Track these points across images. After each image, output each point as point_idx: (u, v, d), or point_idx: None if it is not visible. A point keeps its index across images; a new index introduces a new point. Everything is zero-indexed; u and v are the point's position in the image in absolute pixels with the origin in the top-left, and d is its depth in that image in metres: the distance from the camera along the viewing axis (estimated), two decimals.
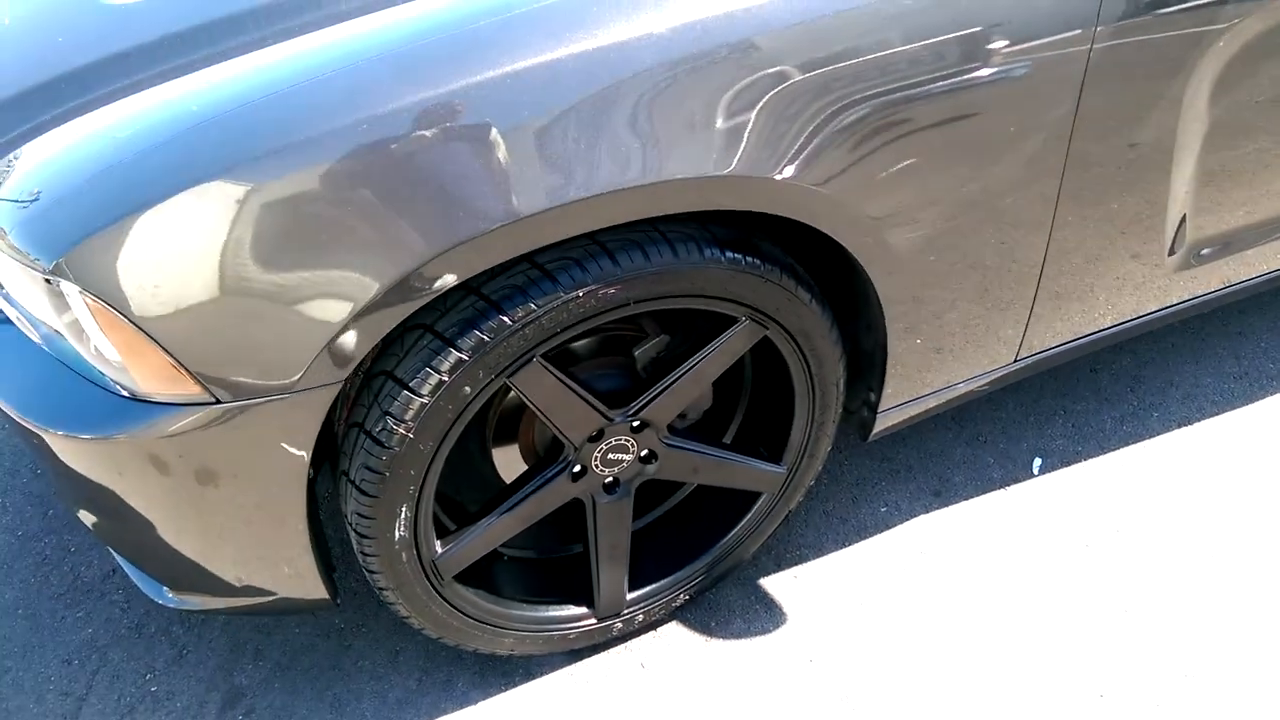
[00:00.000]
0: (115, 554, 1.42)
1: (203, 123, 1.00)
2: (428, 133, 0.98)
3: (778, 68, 1.06)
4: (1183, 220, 1.48)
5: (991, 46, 1.15)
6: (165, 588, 1.34)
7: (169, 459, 1.12)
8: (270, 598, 1.32)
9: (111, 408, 1.12)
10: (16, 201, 1.04)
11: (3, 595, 1.66)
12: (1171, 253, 1.51)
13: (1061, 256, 1.41)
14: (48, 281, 1.05)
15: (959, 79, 1.15)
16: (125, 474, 1.14)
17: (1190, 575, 1.54)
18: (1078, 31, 1.19)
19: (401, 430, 1.11)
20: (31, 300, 1.14)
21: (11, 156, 1.10)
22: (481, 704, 1.47)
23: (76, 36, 1.31)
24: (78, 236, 0.99)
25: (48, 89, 1.22)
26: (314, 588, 1.31)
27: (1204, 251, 1.53)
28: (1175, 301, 1.59)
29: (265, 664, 1.54)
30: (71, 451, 1.15)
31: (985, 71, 1.16)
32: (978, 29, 1.14)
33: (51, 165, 1.05)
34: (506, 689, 1.49)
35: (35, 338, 1.19)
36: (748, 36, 1.05)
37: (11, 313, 1.21)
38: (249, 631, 1.58)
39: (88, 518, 1.28)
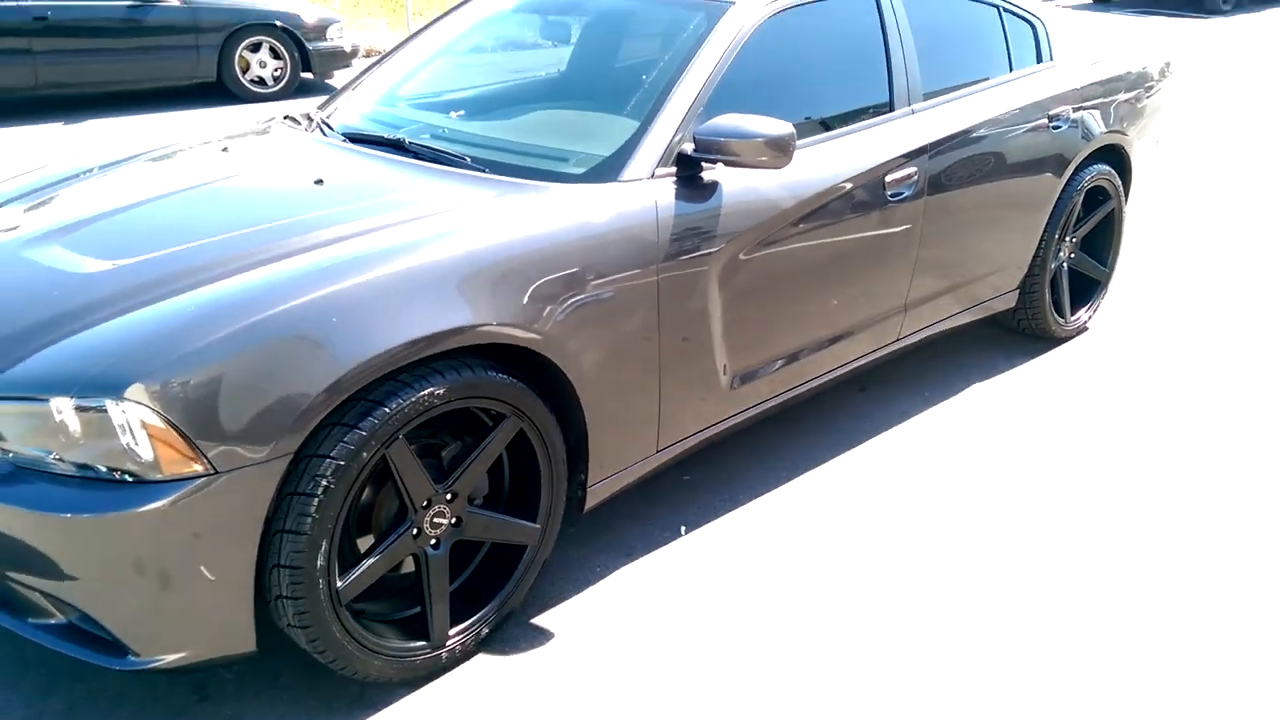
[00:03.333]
0: (60, 644, 1.90)
1: (210, 314, 1.81)
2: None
3: (519, 275, 2.10)
4: (725, 366, 2.66)
5: (620, 275, 2.28)
6: (130, 654, 1.87)
7: (178, 522, 1.77)
8: (214, 647, 1.91)
9: (129, 492, 1.77)
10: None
11: None
12: (729, 384, 2.68)
13: (671, 387, 2.51)
14: (86, 409, 1.74)
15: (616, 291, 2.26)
16: (144, 541, 1.76)
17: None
18: (653, 267, 2.35)
19: (325, 482, 1.87)
20: (33, 433, 1.78)
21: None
22: (377, 712, 2.08)
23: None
24: (149, 372, 1.73)
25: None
26: (247, 637, 1.93)
27: (738, 379, 2.71)
28: (735, 410, 2.74)
29: None
30: (102, 529, 1.75)
31: (612, 290, 2.27)
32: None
33: (128, 330, 1.79)
34: (382, 707, 2.11)
35: None
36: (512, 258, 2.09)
37: None
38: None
39: (87, 595, 1.82)
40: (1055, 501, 2.90)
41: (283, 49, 8.60)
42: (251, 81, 8.54)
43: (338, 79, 9.19)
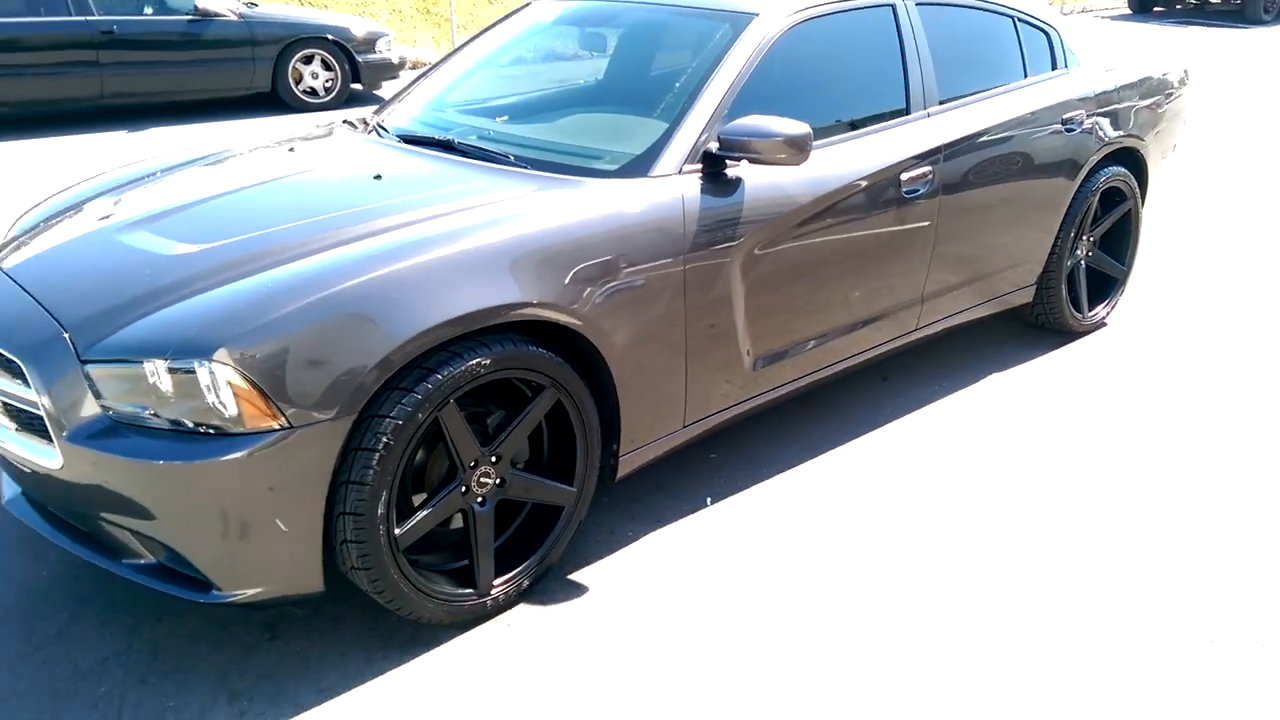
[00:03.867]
0: (150, 580, 2.15)
1: (285, 290, 2.06)
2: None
3: (563, 259, 2.33)
4: (748, 350, 2.86)
5: (650, 264, 2.50)
6: (214, 589, 2.11)
7: (257, 470, 2.01)
8: (287, 585, 2.15)
9: (215, 443, 2.01)
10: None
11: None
12: (751, 365, 2.88)
13: (697, 366, 2.72)
14: (178, 371, 1.99)
15: (646, 278, 2.48)
16: (229, 485, 2.01)
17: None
18: (680, 257, 2.57)
19: (385, 439, 2.10)
20: (131, 392, 2.04)
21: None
22: (427, 653, 2.30)
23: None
24: (233, 336, 1.98)
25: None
26: (316, 578, 2.16)
27: (763, 361, 2.92)
28: (758, 391, 2.94)
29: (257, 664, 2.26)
30: (192, 476, 2.00)
31: (642, 277, 2.49)
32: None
33: (214, 302, 2.04)
34: (432, 647, 2.34)
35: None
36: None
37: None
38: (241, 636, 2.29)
39: (178, 535, 2.07)
40: (1064, 490, 3.07)
41: (334, 61, 8.96)
42: (304, 92, 8.91)
43: (386, 89, 9.54)
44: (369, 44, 9.15)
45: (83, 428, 2.09)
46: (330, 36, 8.92)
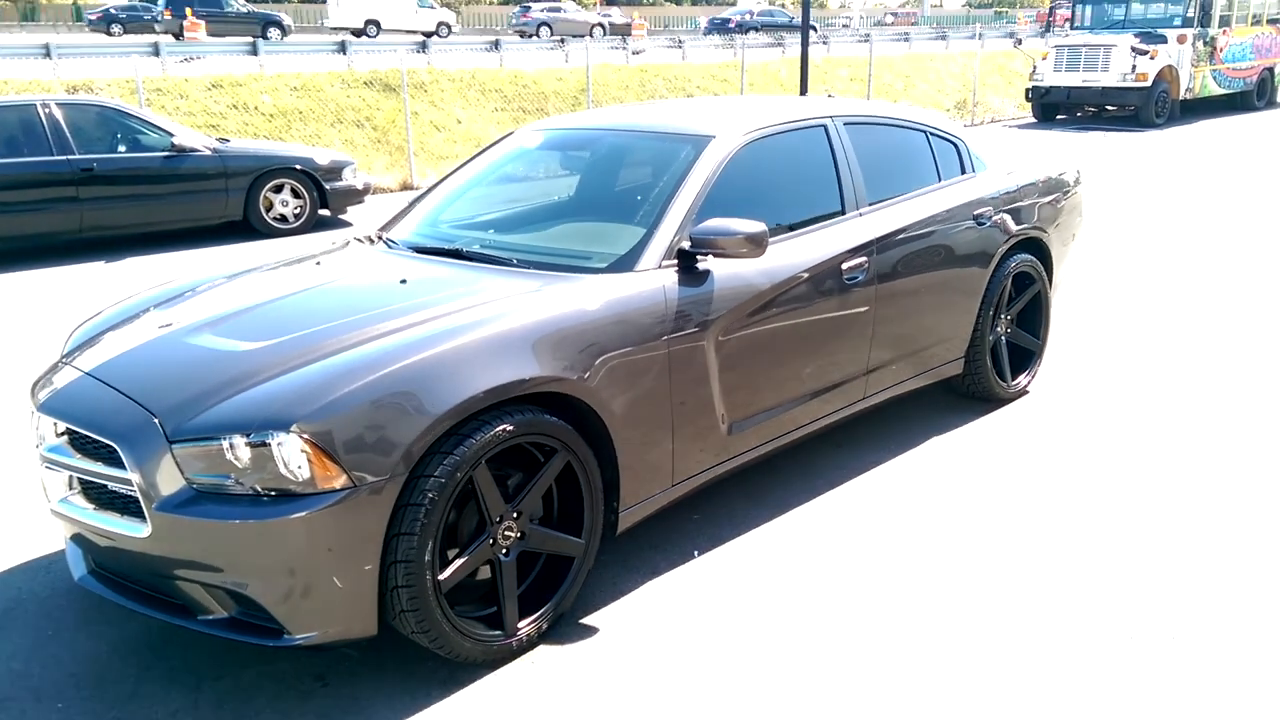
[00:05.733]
0: (224, 632, 2.48)
1: (342, 373, 2.48)
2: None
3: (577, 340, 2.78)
4: (723, 416, 3.31)
5: (640, 344, 2.96)
6: (285, 633, 2.45)
7: (325, 525, 2.38)
8: (347, 630, 2.49)
9: (293, 501, 2.38)
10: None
11: None
12: (727, 431, 3.33)
13: (681, 432, 3.16)
14: (255, 444, 2.37)
15: (637, 356, 2.94)
16: (301, 539, 2.37)
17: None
18: (664, 339, 3.04)
19: (431, 495, 2.49)
20: (212, 465, 2.41)
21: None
22: (462, 689, 2.63)
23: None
24: (304, 414, 2.38)
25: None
26: (371, 623, 2.51)
27: (737, 426, 3.37)
28: (733, 454, 3.38)
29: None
30: (267, 532, 2.36)
31: (634, 355, 2.95)
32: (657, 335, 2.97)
33: (282, 387, 2.44)
34: (467, 684, 2.67)
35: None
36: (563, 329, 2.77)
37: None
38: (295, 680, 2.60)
39: (262, 587, 2.41)
40: (999, 533, 3.53)
41: (302, 189, 9.49)
42: (275, 219, 9.39)
43: (351, 214, 10.07)
44: (335, 172, 9.71)
45: (170, 498, 2.45)
46: (299, 166, 9.46)
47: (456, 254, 3.38)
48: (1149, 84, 16.93)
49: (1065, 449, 4.15)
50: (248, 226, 9.29)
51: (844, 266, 3.62)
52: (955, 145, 4.45)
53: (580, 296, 2.94)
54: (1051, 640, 2.82)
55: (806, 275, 3.48)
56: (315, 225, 9.61)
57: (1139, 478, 3.86)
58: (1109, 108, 18.58)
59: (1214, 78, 18.39)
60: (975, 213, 4.26)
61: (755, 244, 3.09)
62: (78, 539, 2.81)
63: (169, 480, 2.47)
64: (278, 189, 9.40)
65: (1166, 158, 13.55)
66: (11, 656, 2.88)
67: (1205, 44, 17.91)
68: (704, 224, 3.14)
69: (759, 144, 3.61)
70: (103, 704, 2.66)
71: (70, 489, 2.77)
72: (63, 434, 2.76)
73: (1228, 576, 3.14)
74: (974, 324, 4.37)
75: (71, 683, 2.75)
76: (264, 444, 2.41)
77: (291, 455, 2.39)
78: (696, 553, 3.36)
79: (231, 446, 2.42)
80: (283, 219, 9.45)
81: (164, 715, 2.61)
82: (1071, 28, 19.52)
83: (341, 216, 10.04)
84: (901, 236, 3.90)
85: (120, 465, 2.52)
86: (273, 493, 2.42)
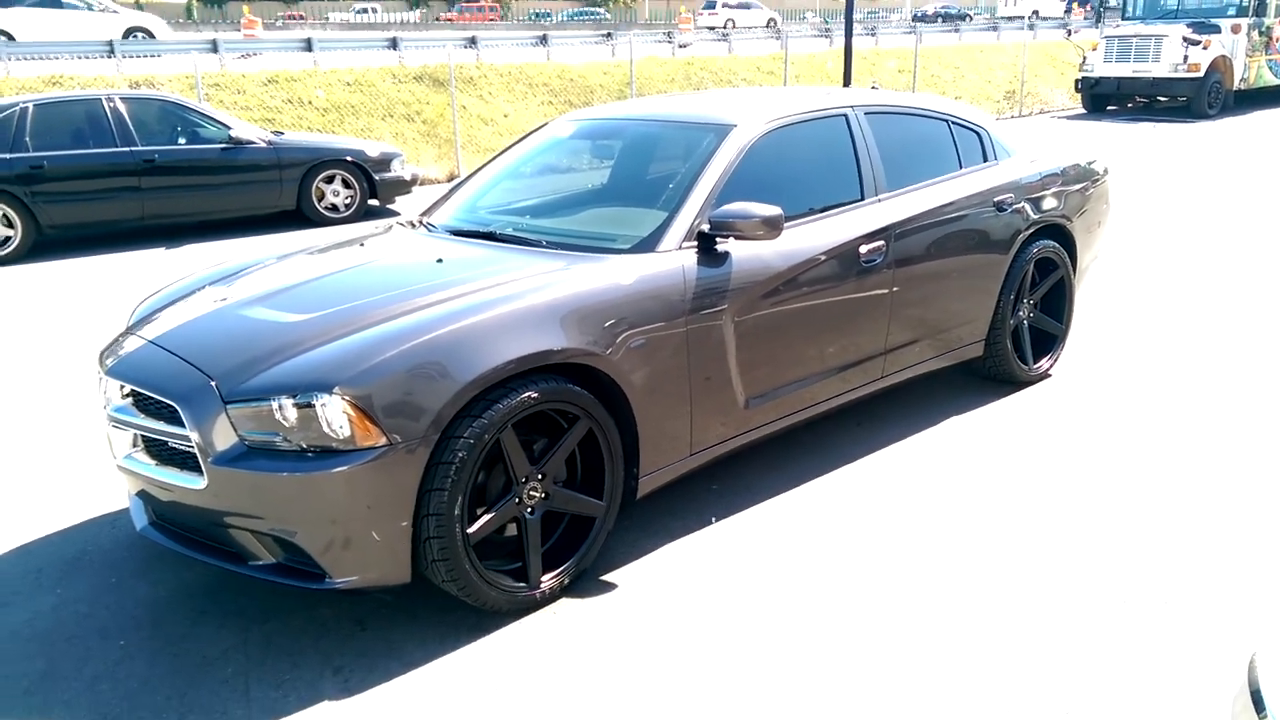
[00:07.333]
0: (272, 576, 2.71)
1: (381, 341, 2.70)
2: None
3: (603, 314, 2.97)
4: (740, 391, 3.48)
5: (661, 319, 3.14)
6: (327, 577, 2.67)
7: (364, 478, 2.60)
8: (383, 576, 2.71)
9: (335, 457, 2.61)
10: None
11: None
12: (744, 405, 3.49)
13: (699, 404, 3.33)
14: (301, 405, 2.60)
15: (656, 332, 3.12)
16: (342, 491, 2.60)
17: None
18: (682, 318, 3.22)
19: (461, 454, 2.70)
20: (263, 424, 2.64)
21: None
22: (490, 635, 2.84)
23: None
24: (346, 378, 2.60)
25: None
26: (405, 570, 2.73)
27: (754, 401, 3.53)
28: (750, 427, 3.55)
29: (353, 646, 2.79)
30: (312, 484, 2.59)
31: (655, 329, 3.14)
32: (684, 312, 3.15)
33: (327, 353, 2.67)
34: (494, 630, 2.88)
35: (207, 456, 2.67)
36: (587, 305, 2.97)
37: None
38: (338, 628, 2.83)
39: (307, 534, 2.64)
40: (1015, 510, 3.65)
41: (353, 180, 9.81)
42: (326, 208, 9.73)
43: (399, 204, 10.38)
44: (384, 164, 10.02)
45: (224, 453, 2.69)
46: (350, 158, 9.79)
47: (490, 236, 3.59)
48: (1201, 75, 16.67)
49: (1082, 430, 4.25)
50: (300, 215, 9.63)
51: (861, 250, 3.76)
52: (978, 134, 4.55)
53: (604, 275, 3.13)
54: (1052, 609, 2.96)
55: (823, 258, 3.63)
56: (365, 215, 9.93)
57: (1154, 460, 3.95)
58: (1160, 99, 18.31)
59: (1270, 68, 18.05)
60: (996, 199, 4.37)
61: (771, 227, 3.25)
62: (141, 494, 3.06)
63: (223, 437, 2.70)
64: (329, 180, 9.73)
65: (1215, 149, 13.37)
66: (78, 600, 3.15)
67: (1261, 34, 17.58)
68: (723, 207, 3.31)
69: (780, 132, 3.76)
70: (161, 642, 2.92)
71: (134, 446, 3.03)
72: (127, 395, 3.02)
73: (1232, 555, 3.24)
74: (994, 307, 4.48)
75: (132, 624, 3.01)
76: (309, 405, 2.63)
77: (334, 415, 2.61)
78: (714, 519, 3.54)
79: (280, 407, 2.65)
80: (334, 208, 9.78)
81: (216, 653, 2.85)
82: (1123, 18, 19.26)
83: (390, 206, 10.35)
84: (920, 222, 4.02)
85: (180, 424, 2.77)
86: (317, 449, 2.64)
